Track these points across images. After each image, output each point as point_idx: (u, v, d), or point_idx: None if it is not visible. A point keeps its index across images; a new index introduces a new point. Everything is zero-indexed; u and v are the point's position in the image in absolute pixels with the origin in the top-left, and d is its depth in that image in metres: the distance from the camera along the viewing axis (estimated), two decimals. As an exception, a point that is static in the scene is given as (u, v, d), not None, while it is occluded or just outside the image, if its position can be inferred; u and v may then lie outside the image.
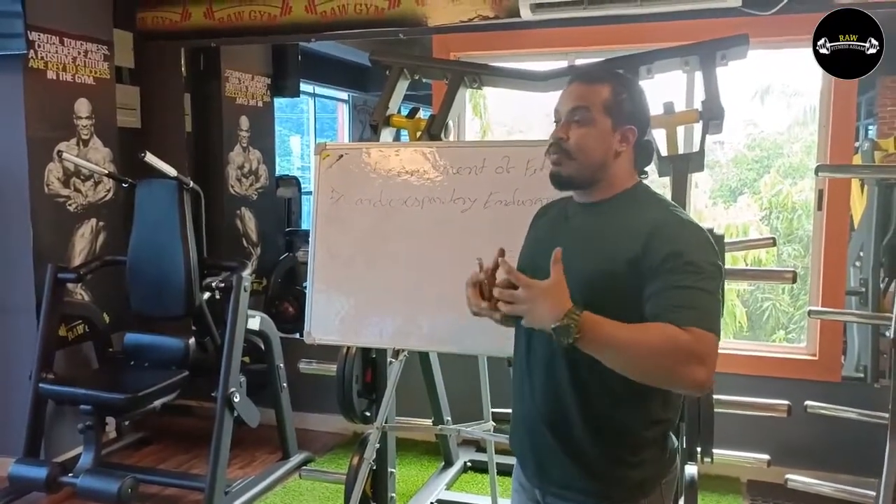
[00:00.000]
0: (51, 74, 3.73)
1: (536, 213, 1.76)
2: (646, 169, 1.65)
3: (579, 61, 3.81)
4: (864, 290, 3.64)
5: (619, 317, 1.35)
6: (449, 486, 3.60)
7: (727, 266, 2.52)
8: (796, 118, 5.50)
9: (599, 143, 1.51)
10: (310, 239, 2.80)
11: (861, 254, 3.65)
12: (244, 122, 4.79)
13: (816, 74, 3.57)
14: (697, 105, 2.71)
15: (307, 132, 7.68)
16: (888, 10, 2.94)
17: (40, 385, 3.48)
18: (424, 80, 3.30)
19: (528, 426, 1.59)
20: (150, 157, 3.40)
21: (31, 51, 3.61)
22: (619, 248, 1.44)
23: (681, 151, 2.75)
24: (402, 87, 3.12)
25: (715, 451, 2.68)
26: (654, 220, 1.45)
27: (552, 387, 1.51)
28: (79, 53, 3.88)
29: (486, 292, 1.45)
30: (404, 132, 3.17)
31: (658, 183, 4.00)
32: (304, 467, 3.76)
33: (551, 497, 1.57)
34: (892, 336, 2.84)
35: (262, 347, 3.82)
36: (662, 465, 1.54)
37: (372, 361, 3.02)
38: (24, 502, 3.42)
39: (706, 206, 5.48)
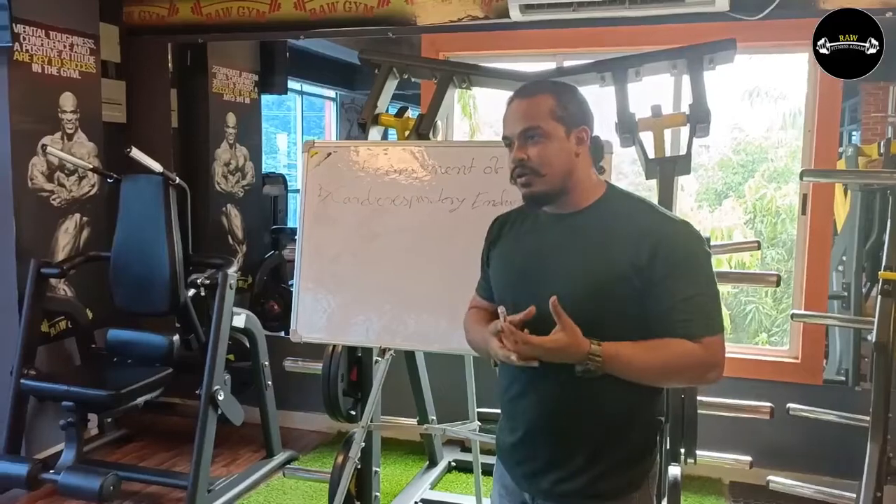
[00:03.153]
0: (36, 67, 3.70)
1: (491, 226, 1.72)
2: (602, 165, 1.77)
3: (567, 63, 3.82)
4: (846, 294, 3.67)
5: (618, 322, 1.45)
6: (433, 486, 3.60)
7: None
8: (774, 122, 5.54)
9: (560, 152, 1.50)
10: (297, 237, 2.80)
11: (844, 258, 3.68)
12: (231, 118, 4.77)
13: (801, 79, 3.61)
14: (685, 108, 2.73)
15: (294, 130, 7.66)
16: (875, 18, 2.96)
17: (22, 381, 3.44)
18: (413, 80, 3.29)
19: (522, 426, 1.58)
20: (136, 153, 3.37)
21: (17, 43, 3.57)
22: (621, 256, 1.46)
23: (667, 154, 2.76)
24: (390, 86, 3.12)
25: (698, 452, 2.71)
26: (651, 229, 1.48)
27: (546, 387, 1.52)
28: (64, 47, 3.85)
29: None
30: (392, 131, 3.17)
31: (645, 185, 4.02)
32: (288, 466, 3.75)
33: (541, 499, 1.58)
34: (873, 340, 2.87)
35: (248, 345, 3.79)
36: (650, 461, 1.58)
37: (358, 360, 3.01)
38: (4, 499, 3.39)
39: (691, 209, 5.52)
